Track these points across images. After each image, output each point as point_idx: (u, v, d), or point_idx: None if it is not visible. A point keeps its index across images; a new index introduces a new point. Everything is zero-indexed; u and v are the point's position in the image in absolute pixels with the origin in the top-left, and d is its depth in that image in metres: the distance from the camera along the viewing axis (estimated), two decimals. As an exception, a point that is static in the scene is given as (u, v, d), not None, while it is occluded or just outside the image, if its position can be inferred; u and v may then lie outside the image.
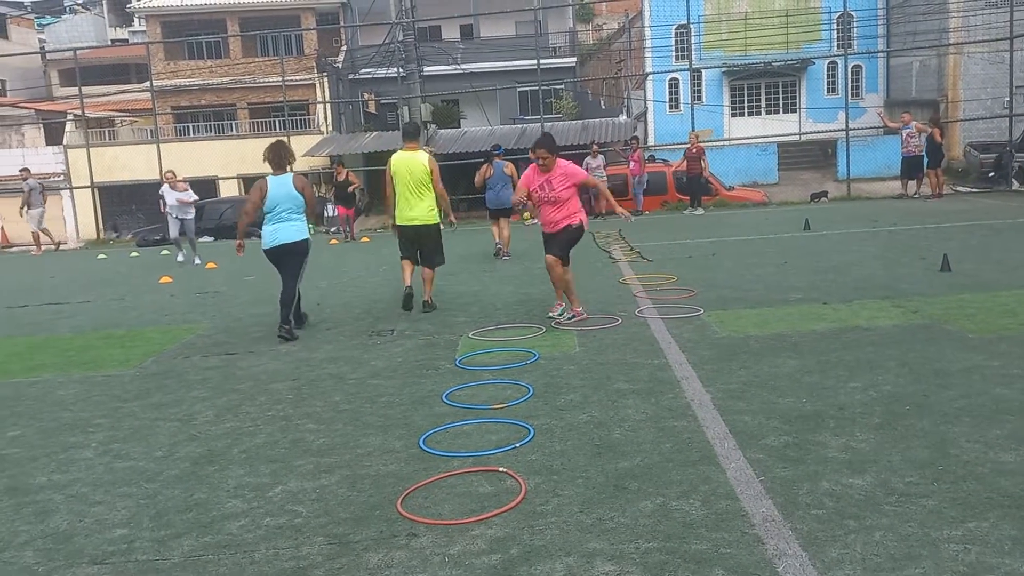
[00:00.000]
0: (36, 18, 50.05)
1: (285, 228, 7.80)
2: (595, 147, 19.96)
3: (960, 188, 23.10)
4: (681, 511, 3.64)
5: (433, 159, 8.85)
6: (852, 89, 29.91)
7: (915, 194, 19.33)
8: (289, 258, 7.87)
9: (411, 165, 8.55)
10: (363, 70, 32.08)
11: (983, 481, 3.76)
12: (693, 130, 20.83)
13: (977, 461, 3.98)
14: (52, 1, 54.70)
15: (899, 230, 13.37)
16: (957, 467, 3.93)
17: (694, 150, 18.92)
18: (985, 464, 3.94)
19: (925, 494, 3.66)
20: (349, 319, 8.67)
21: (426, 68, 26.48)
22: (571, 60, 36.90)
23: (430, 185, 8.60)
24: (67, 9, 54.94)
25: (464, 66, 31.71)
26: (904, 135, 19.07)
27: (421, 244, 8.73)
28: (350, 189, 19.15)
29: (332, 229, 21.73)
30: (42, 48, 45.15)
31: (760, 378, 5.58)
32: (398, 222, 8.71)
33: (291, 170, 8.01)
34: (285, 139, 10.89)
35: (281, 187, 7.77)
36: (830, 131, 27.97)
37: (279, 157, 7.83)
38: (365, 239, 18.92)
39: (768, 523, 3.47)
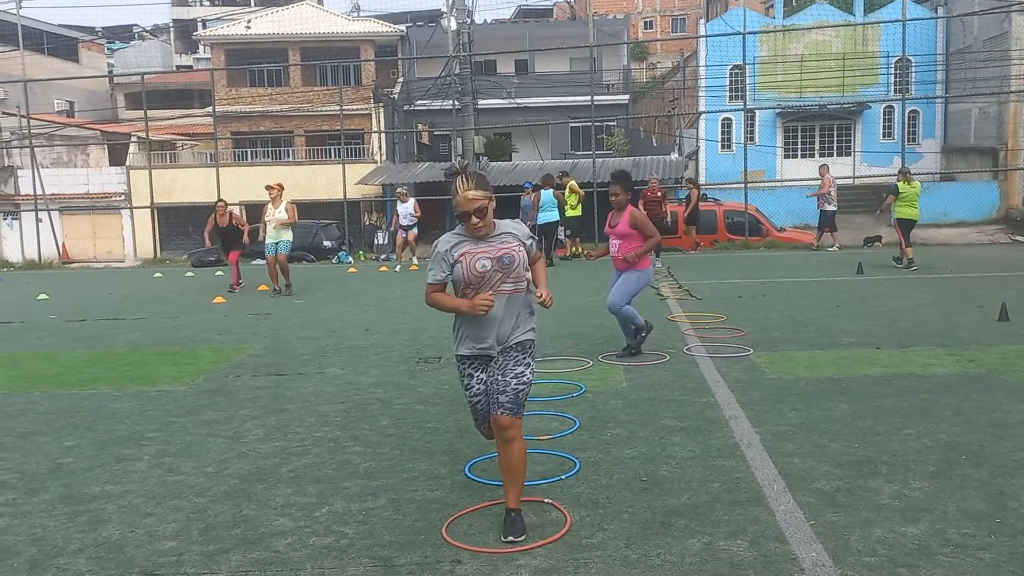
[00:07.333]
0: (106, 43, 51.79)
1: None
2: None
3: (1019, 238, 22.61)
4: (728, 551, 3.60)
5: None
6: (909, 134, 29.54)
7: (831, 246, 18.87)
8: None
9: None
10: (418, 101, 32.56)
11: (1043, 536, 3.65)
12: (744, 169, 20.64)
13: (1036, 515, 3.88)
14: (122, 27, 56.60)
15: (955, 277, 13.12)
16: (1016, 520, 3.83)
17: (658, 194, 17.78)
18: (1045, 519, 3.83)
19: (982, 547, 3.57)
20: (397, 345, 8.74)
21: (480, 101, 26.76)
22: (624, 97, 37.05)
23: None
24: (136, 35, 56.81)
25: (518, 100, 32.00)
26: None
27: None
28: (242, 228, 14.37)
29: (383, 256, 22.31)
30: (110, 72, 46.68)
31: (811, 421, 5.50)
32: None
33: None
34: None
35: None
36: (885, 175, 27.60)
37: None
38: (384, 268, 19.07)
39: (818, 568, 3.41)
